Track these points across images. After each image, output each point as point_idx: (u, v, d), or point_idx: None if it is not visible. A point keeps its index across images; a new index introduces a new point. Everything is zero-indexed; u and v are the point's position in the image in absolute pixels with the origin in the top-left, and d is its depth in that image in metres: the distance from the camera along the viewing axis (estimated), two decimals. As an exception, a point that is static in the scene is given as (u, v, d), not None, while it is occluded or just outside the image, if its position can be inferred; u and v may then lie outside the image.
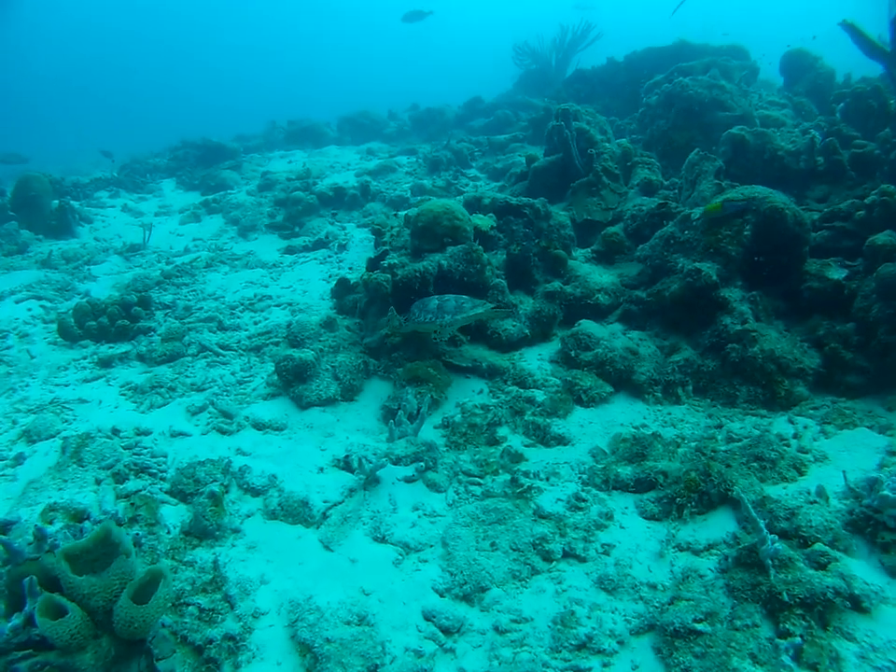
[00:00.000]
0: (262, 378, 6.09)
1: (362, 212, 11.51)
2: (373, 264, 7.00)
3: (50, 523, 3.69)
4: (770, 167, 8.01)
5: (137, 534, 3.49)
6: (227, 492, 4.20)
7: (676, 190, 8.11)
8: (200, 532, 3.85)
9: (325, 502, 4.20)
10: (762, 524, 3.55)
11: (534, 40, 21.54)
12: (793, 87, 11.93)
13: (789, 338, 5.76)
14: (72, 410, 5.47)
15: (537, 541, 3.98)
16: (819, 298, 5.83)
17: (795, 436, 4.82)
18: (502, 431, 5.24)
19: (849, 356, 5.37)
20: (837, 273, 5.95)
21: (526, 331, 6.36)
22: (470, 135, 16.14)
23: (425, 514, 4.21)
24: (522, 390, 5.71)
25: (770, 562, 3.44)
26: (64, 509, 3.75)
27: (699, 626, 3.30)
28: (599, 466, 4.71)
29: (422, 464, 4.55)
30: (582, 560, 3.91)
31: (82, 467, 4.38)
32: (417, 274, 6.14)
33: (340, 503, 4.21)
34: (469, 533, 4.04)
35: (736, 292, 5.95)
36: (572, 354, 5.97)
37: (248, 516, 4.12)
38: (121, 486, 4.24)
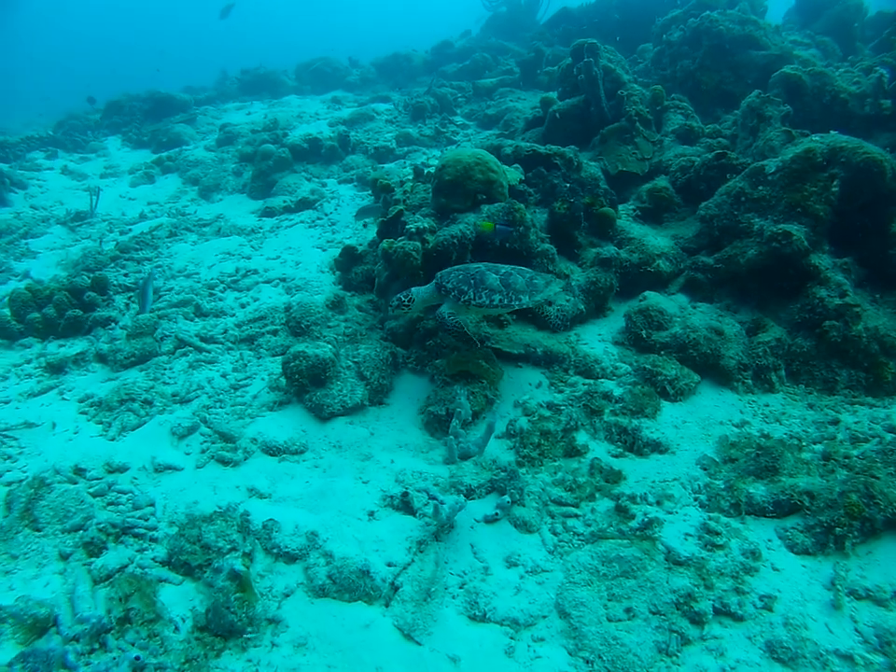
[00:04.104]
0: (263, 380, 4.83)
1: (342, 165, 10.11)
2: (387, 228, 5.75)
3: (-3, 640, 2.44)
4: (830, 112, 7.00)
5: (137, 657, 2.30)
6: (251, 561, 3.01)
7: (721, 139, 7.03)
8: (224, 630, 2.67)
9: (389, 565, 3.06)
10: None
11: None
12: (812, 25, 10.89)
13: (885, 312, 4.96)
14: (16, 440, 4.06)
15: (681, 599, 2.99)
16: (914, 264, 5.01)
17: (935, 431, 3.99)
18: (581, 438, 4.20)
19: (959, 331, 4.64)
20: None
21: (581, 307, 5.29)
22: (444, 80, 14.67)
23: (527, 571, 3.13)
24: (590, 381, 4.68)
25: None
26: (16, 616, 2.48)
27: (952, 730, 2.39)
28: (719, 482, 3.76)
29: (506, 498, 3.45)
30: (739, 619, 3.02)
31: (38, 531, 3.09)
32: (455, 241, 4.94)
33: (410, 564, 3.08)
34: (592, 596, 3.00)
35: (826, 259, 5.14)
36: (643, 334, 4.98)
37: (287, 595, 2.94)
38: (99, 562, 2.98)
